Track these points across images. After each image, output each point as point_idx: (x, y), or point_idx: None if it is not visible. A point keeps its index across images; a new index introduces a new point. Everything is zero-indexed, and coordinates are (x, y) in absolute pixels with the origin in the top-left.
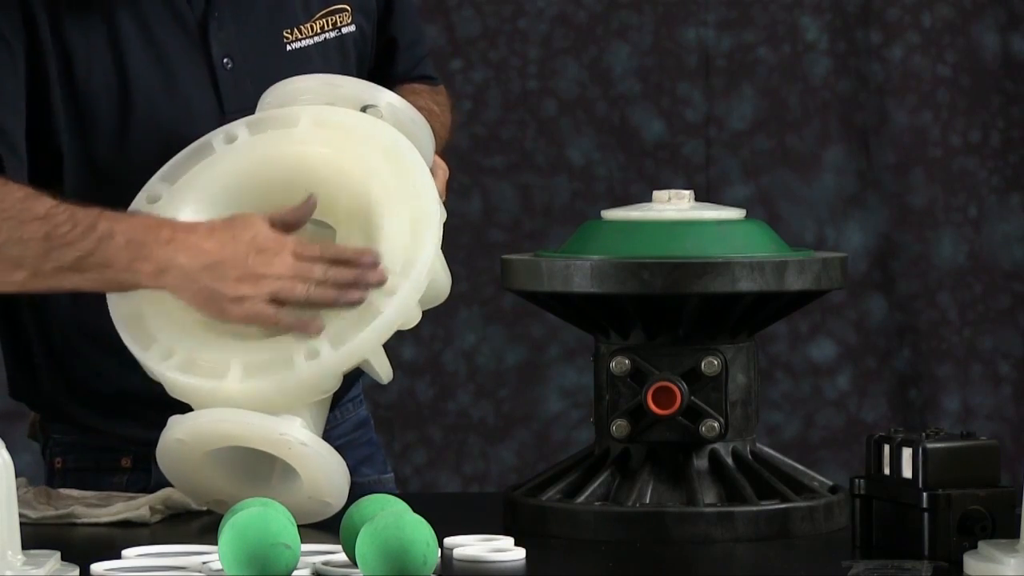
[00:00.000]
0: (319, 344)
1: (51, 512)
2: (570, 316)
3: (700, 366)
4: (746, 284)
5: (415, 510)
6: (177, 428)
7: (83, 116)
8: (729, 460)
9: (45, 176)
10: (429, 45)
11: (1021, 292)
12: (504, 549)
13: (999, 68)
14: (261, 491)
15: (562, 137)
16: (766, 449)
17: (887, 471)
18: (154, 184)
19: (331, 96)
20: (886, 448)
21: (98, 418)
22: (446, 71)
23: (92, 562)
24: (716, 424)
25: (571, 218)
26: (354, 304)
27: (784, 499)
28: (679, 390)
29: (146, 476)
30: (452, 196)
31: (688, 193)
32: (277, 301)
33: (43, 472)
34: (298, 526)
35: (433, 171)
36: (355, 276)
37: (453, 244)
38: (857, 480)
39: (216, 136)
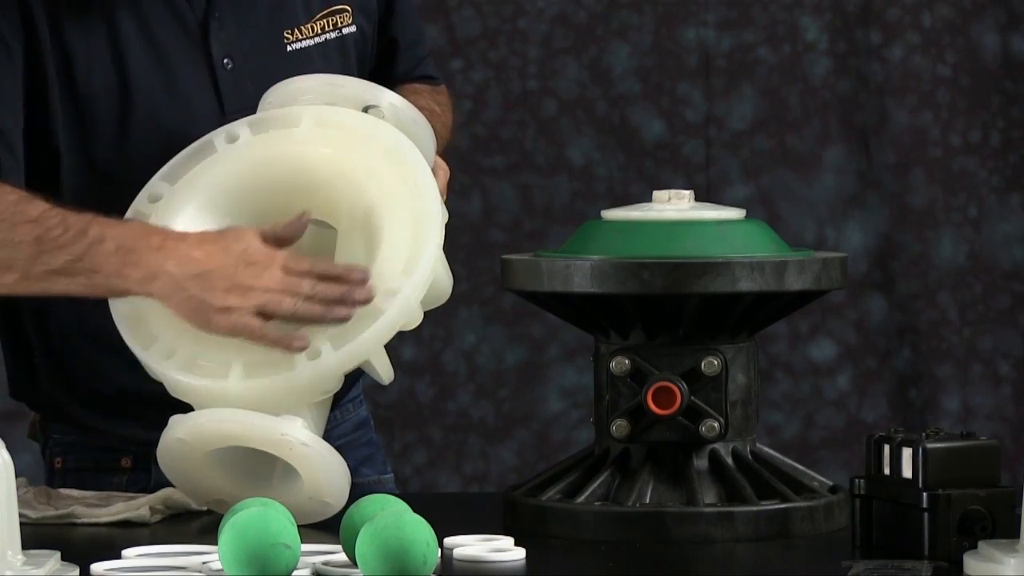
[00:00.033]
0: (320, 344)
1: (51, 512)
2: (570, 316)
3: (700, 366)
4: (746, 284)
5: (415, 510)
6: (178, 428)
7: (83, 116)
8: (729, 460)
9: (43, 177)
10: (430, 45)
11: (1021, 292)
12: (504, 549)
13: (999, 68)
14: (261, 491)
15: (562, 137)
16: (766, 449)
17: (887, 471)
18: (155, 183)
19: (333, 96)
20: (886, 448)
21: (98, 418)
22: (446, 71)
23: (92, 562)
24: (716, 424)
25: (571, 218)
26: (340, 321)
27: (784, 499)
28: (679, 390)
29: (146, 476)
30: (452, 196)
31: (688, 193)
32: (263, 314)
33: (43, 472)
34: (298, 526)
35: (434, 171)
36: (342, 293)
37: (453, 244)
38: (857, 480)
39: (218, 136)
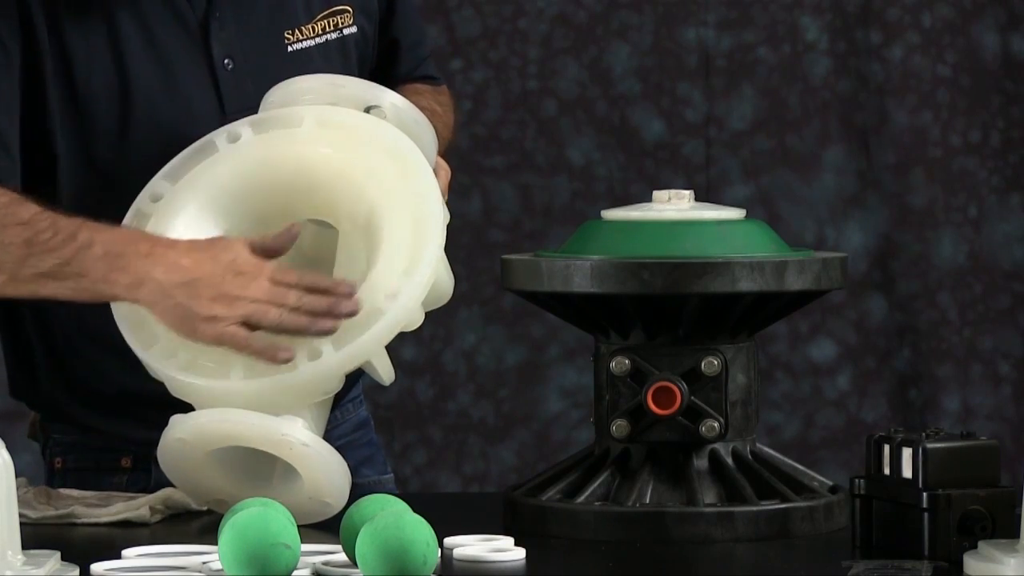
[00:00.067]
0: (321, 345)
1: (51, 512)
2: (570, 316)
3: (700, 366)
4: (746, 284)
5: (415, 510)
6: (179, 427)
7: (82, 117)
8: (729, 460)
9: (40, 178)
10: (431, 45)
11: (1021, 292)
12: (504, 549)
13: (999, 68)
14: (262, 491)
15: (562, 137)
16: (766, 449)
17: (887, 471)
18: (157, 182)
19: (334, 96)
20: (886, 448)
21: (99, 418)
22: (446, 71)
23: (92, 562)
24: (716, 424)
25: (571, 218)
26: (325, 333)
27: (784, 499)
28: (679, 390)
29: (146, 476)
30: (452, 196)
31: (688, 193)
32: (249, 324)
33: (43, 472)
34: (298, 526)
35: (436, 171)
36: (328, 305)
37: (453, 244)
38: (857, 480)
39: (219, 135)
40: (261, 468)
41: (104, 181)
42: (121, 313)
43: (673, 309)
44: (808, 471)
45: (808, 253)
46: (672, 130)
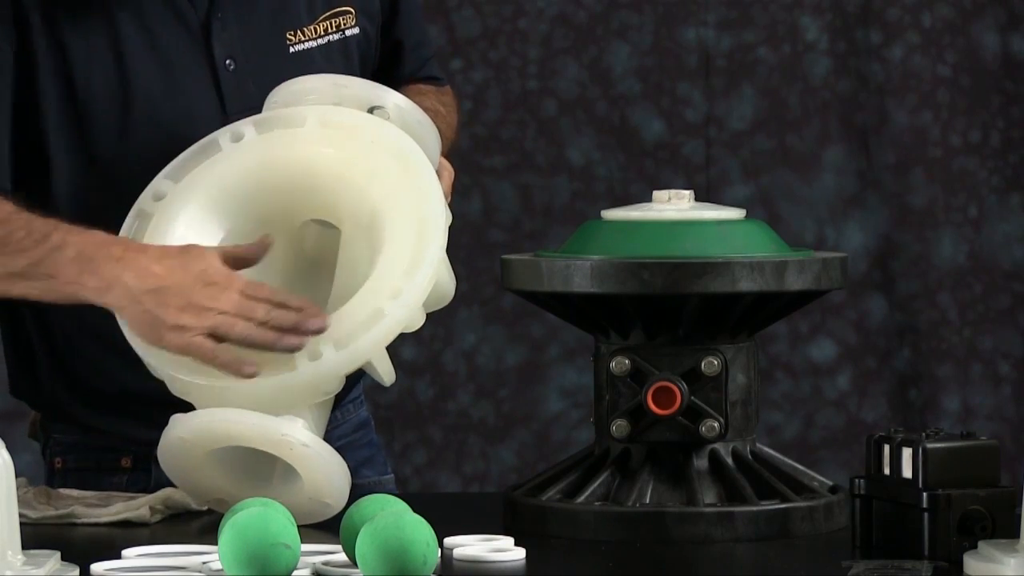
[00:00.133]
0: (322, 346)
1: (51, 512)
2: (570, 316)
3: (700, 366)
4: (746, 284)
5: (415, 510)
6: (179, 426)
7: (82, 117)
8: (729, 460)
9: (34, 178)
10: (434, 46)
11: (1021, 292)
12: (504, 549)
13: (999, 68)
14: (262, 491)
15: (562, 137)
16: (766, 449)
17: (887, 471)
18: (159, 181)
19: (338, 96)
20: (886, 448)
21: (99, 417)
22: (446, 71)
23: (92, 562)
24: (716, 424)
25: (571, 218)
26: (291, 349)
27: (784, 499)
28: (679, 390)
29: (146, 476)
30: (452, 196)
31: (688, 193)
32: (216, 336)
33: (43, 472)
34: (298, 526)
35: (439, 172)
36: (296, 321)
37: (453, 244)
38: (857, 480)
39: (223, 134)
40: (261, 468)
41: (104, 181)
42: None
43: (673, 309)
44: (808, 471)
45: (808, 253)
46: (672, 130)
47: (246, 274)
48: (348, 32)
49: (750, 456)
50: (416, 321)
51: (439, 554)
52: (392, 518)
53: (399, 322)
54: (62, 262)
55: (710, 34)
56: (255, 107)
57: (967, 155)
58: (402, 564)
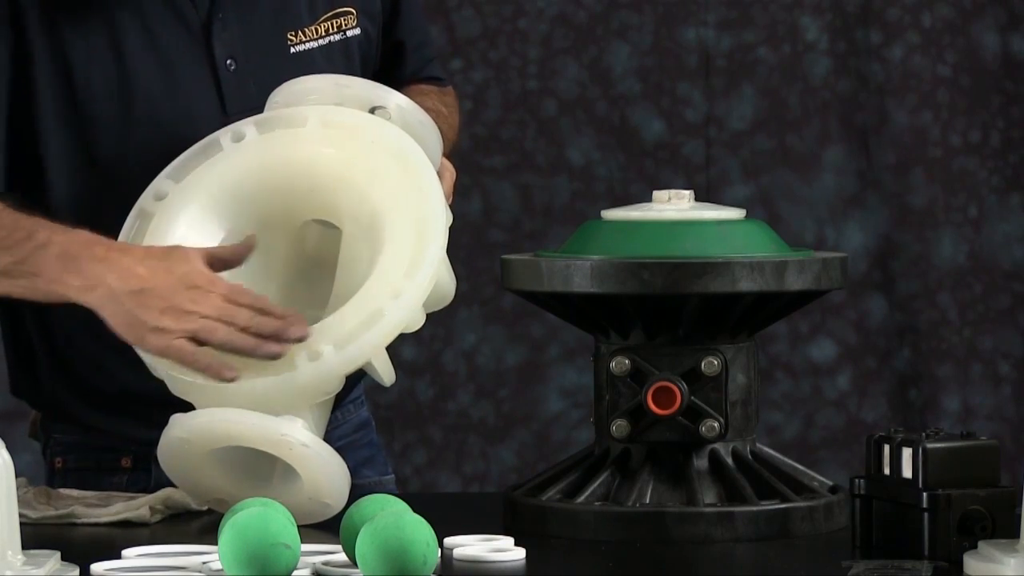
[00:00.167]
0: (322, 346)
1: (51, 512)
2: (570, 316)
3: (700, 366)
4: (746, 284)
5: (415, 510)
6: (179, 426)
7: (81, 118)
8: (729, 460)
9: (31, 178)
10: (435, 46)
11: (1021, 292)
12: (504, 549)
13: (999, 68)
14: (261, 491)
15: (562, 137)
16: (766, 449)
17: (887, 471)
18: (161, 181)
19: (339, 97)
20: (886, 448)
21: (100, 416)
22: (446, 71)
23: (92, 562)
24: (716, 424)
25: (571, 218)
26: (272, 357)
27: (784, 499)
28: (679, 390)
29: (146, 476)
30: (452, 196)
31: (688, 193)
32: (196, 340)
33: (43, 472)
34: (298, 526)
35: (440, 173)
36: (277, 328)
37: (453, 244)
38: (857, 480)
39: (224, 134)
40: (261, 468)
41: (104, 181)
42: None
43: (673, 309)
44: (808, 471)
45: (808, 253)
46: (672, 130)
47: (240, 275)
48: (349, 32)
49: (750, 456)
50: (416, 321)
51: (439, 554)
52: (392, 518)
53: (399, 322)
54: (46, 260)
55: (710, 34)
56: (256, 107)
57: (967, 155)
58: (402, 564)
